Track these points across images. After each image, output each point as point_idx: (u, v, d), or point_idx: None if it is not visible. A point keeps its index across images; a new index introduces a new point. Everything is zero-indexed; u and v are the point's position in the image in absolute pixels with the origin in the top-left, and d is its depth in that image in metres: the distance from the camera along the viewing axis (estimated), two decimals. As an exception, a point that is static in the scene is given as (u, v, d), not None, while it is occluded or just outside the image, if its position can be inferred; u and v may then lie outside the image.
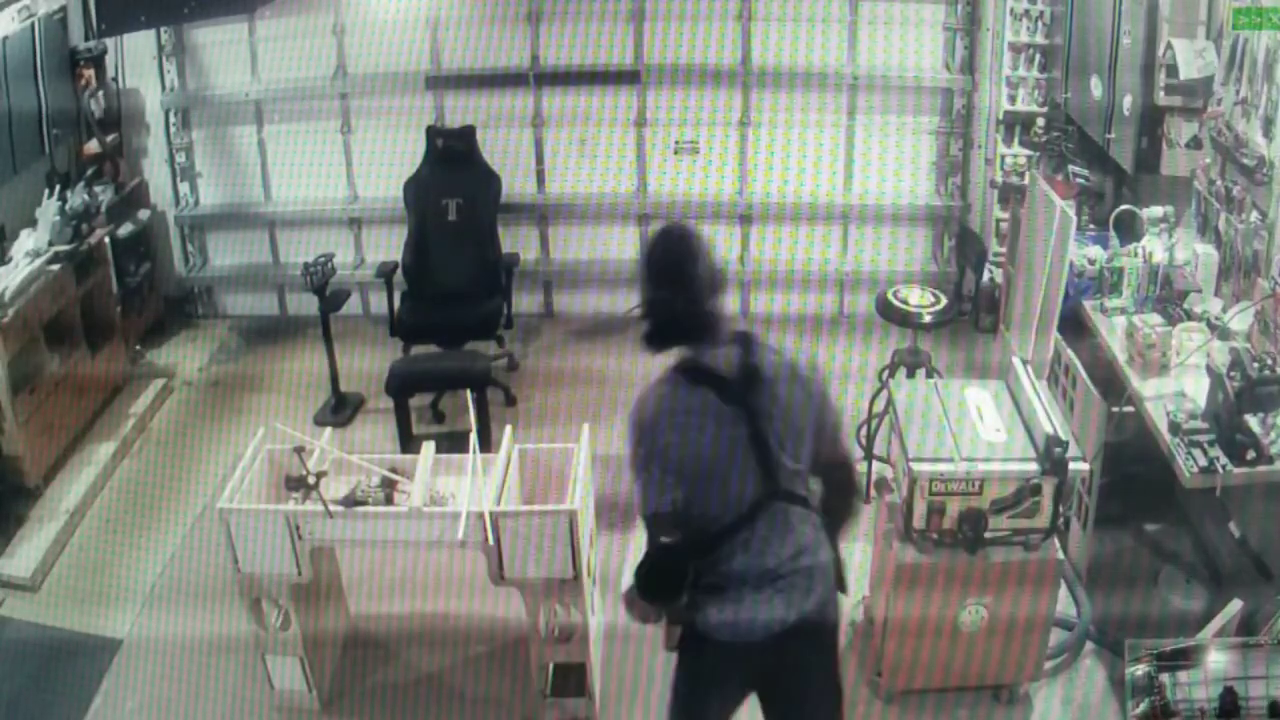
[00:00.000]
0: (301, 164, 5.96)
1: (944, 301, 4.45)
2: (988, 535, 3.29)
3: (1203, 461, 3.25)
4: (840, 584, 2.61)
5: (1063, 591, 3.67)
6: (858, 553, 4.14)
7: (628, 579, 2.52)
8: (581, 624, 3.39)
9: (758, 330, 2.60)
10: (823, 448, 2.56)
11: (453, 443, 3.64)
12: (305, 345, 5.69)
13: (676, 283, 2.44)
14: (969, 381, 3.78)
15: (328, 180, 5.97)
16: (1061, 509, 3.29)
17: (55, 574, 4.28)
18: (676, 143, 5.83)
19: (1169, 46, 4.01)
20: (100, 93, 5.55)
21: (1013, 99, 5.36)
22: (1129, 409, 3.67)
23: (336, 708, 3.66)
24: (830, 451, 2.59)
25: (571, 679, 3.52)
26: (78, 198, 5.04)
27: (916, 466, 3.25)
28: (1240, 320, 3.74)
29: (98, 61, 5.53)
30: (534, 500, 3.56)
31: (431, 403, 5.19)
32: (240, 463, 3.45)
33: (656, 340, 2.46)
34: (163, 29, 5.68)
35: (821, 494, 2.61)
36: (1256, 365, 3.29)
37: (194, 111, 5.97)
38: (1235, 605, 3.37)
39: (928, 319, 4.39)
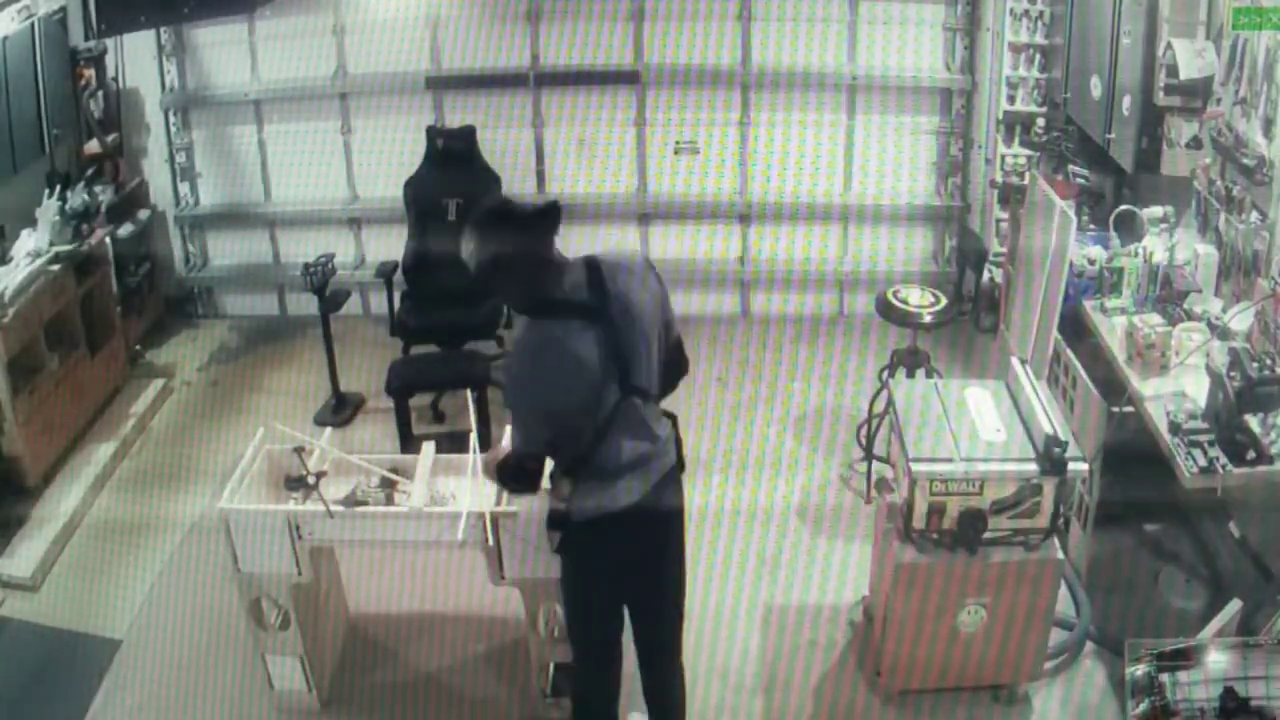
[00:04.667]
0: (301, 164, 5.96)
1: (944, 301, 4.45)
2: (988, 535, 3.29)
3: (1203, 461, 3.25)
4: (680, 462, 2.93)
5: (1062, 591, 3.67)
6: (856, 552, 4.16)
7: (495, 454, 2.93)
8: (581, 624, 3.39)
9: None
10: (669, 336, 2.86)
11: (453, 443, 3.64)
12: (305, 345, 5.70)
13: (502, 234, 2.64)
14: (969, 381, 3.78)
15: (328, 180, 5.97)
16: (1061, 509, 3.29)
17: (55, 574, 4.28)
18: (676, 143, 5.83)
19: (1169, 46, 4.01)
20: (100, 93, 5.55)
21: (1012, 99, 5.36)
22: (1129, 409, 3.66)
23: (336, 708, 3.66)
24: (671, 337, 2.88)
25: (572, 679, 3.51)
26: (78, 198, 5.04)
27: (916, 466, 3.25)
28: (1240, 320, 3.74)
29: (98, 61, 5.53)
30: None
31: (431, 403, 5.19)
32: (240, 463, 3.45)
33: (518, 295, 2.73)
34: (163, 29, 5.68)
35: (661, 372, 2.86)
36: (1256, 365, 3.29)
37: (194, 111, 5.97)
38: (1235, 605, 3.37)
39: (928, 319, 4.38)
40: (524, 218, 2.66)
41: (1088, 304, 4.11)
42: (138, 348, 5.65)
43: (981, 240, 5.67)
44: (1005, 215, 5.41)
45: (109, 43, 5.56)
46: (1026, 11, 5.21)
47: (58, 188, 4.99)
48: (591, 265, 2.74)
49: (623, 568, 2.91)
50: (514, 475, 2.85)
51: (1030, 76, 5.30)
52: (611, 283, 2.71)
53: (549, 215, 2.67)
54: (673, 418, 2.92)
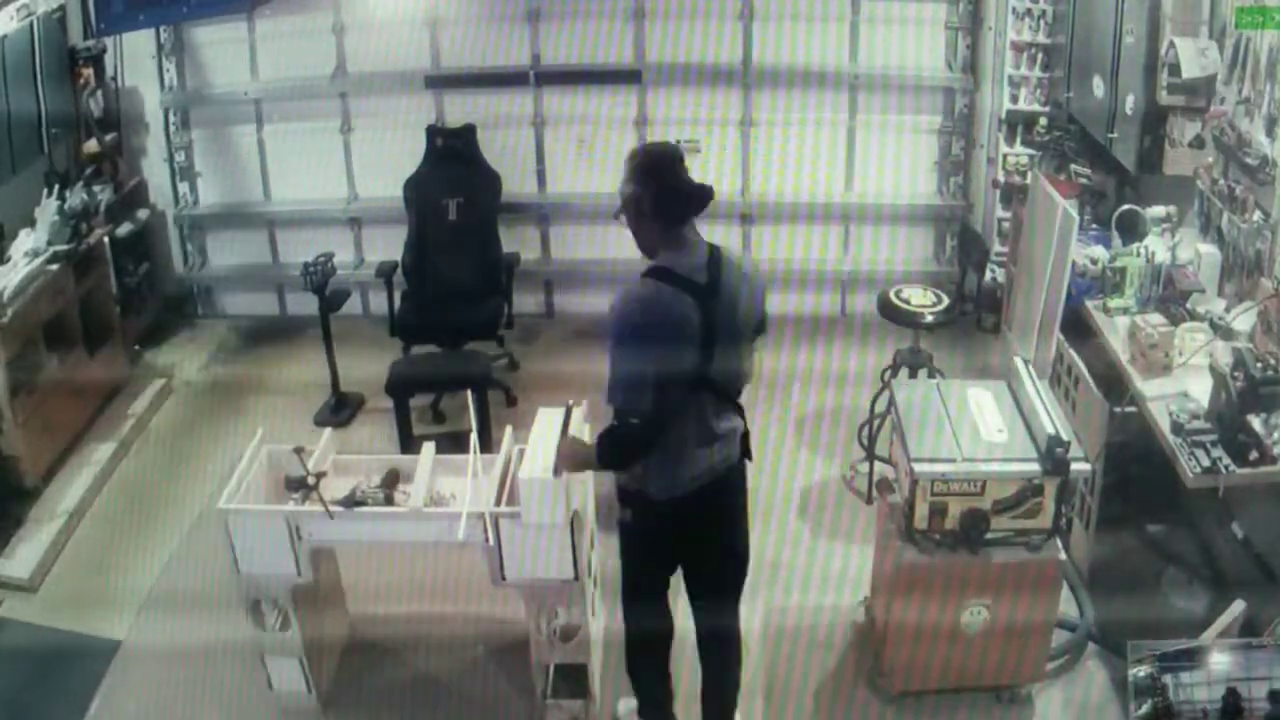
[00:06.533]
0: (301, 163, 5.95)
1: (946, 301, 4.44)
2: (989, 536, 3.28)
3: (1205, 462, 3.24)
4: (746, 451, 3.08)
5: (1065, 592, 3.66)
6: (858, 553, 4.15)
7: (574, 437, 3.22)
8: (582, 625, 3.38)
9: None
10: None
11: (453, 443, 3.63)
12: (305, 345, 5.68)
13: (680, 173, 2.84)
14: (971, 382, 3.77)
15: (328, 180, 5.95)
16: (1063, 509, 3.28)
17: (55, 574, 4.27)
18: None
19: (1171, 45, 4.00)
20: (99, 92, 5.54)
21: (1015, 98, 5.34)
22: (1131, 409, 3.65)
23: (336, 709, 3.65)
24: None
25: (572, 680, 3.51)
26: (77, 197, 5.03)
27: (918, 467, 3.24)
28: (1243, 320, 3.73)
29: (97, 60, 5.51)
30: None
31: (432, 403, 5.18)
32: (240, 463, 3.44)
33: (674, 217, 2.84)
34: (162, 28, 5.66)
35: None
36: (1259, 365, 3.28)
37: (193, 111, 5.96)
38: (1238, 606, 3.37)
39: (930, 319, 4.38)
40: (686, 176, 2.85)
41: (1090, 304, 4.10)
42: (137, 348, 5.64)
43: (984, 240, 5.66)
44: (1007, 215, 5.41)
45: (108, 42, 5.54)
46: (1029, 10, 5.20)
47: (56, 187, 4.97)
48: (714, 255, 2.88)
49: (683, 542, 3.09)
50: (616, 442, 2.87)
51: (1033, 76, 5.29)
52: (726, 277, 2.85)
53: (706, 191, 2.84)
54: (742, 411, 3.04)
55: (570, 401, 3.44)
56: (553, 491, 3.13)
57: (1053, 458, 3.19)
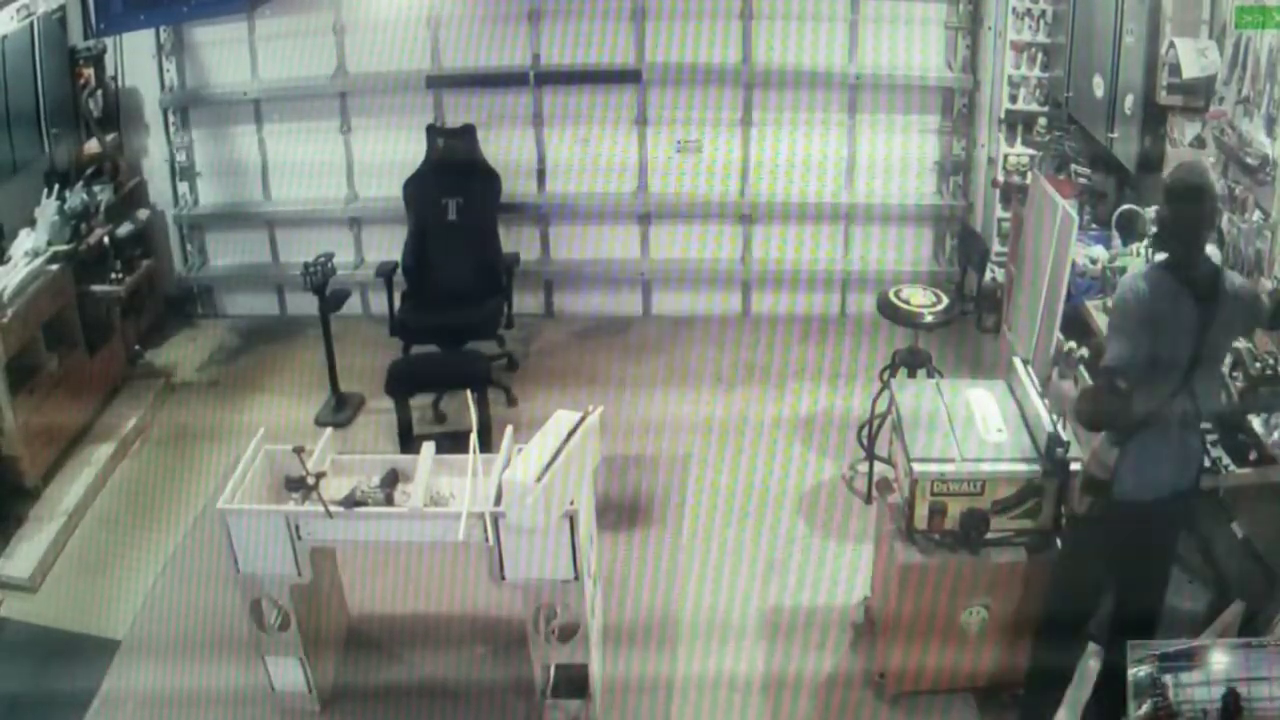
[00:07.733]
0: (301, 163, 5.95)
1: (946, 301, 4.44)
2: (989, 536, 3.28)
3: (1205, 462, 3.23)
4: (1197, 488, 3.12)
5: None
6: (858, 553, 4.15)
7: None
8: (582, 625, 3.38)
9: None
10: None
11: (453, 443, 3.63)
12: (305, 345, 5.68)
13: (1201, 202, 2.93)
14: (971, 382, 3.77)
15: (328, 180, 5.96)
16: (1063, 509, 3.28)
17: (54, 574, 4.27)
18: (679, 142, 5.82)
19: (1171, 45, 3.99)
20: (99, 92, 5.54)
21: (1015, 98, 5.34)
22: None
23: (336, 708, 3.65)
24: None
25: (572, 680, 3.51)
26: (76, 197, 5.04)
27: (918, 467, 3.24)
28: (1243, 320, 3.73)
29: (97, 60, 5.52)
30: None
31: (432, 403, 5.18)
32: (240, 463, 3.44)
33: (1179, 245, 2.94)
34: (162, 28, 5.66)
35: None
36: (1259, 366, 3.28)
37: (193, 111, 5.96)
38: (1238, 606, 3.36)
39: (930, 319, 4.37)
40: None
41: (1090, 304, 4.10)
42: (137, 348, 5.64)
43: (983, 240, 5.66)
44: (1007, 215, 5.40)
45: (108, 42, 5.54)
46: (1029, 10, 5.20)
47: (56, 187, 4.98)
48: (1217, 270, 3.02)
49: (1125, 553, 3.11)
50: (1108, 391, 2.87)
51: (1032, 75, 5.29)
52: (1229, 284, 2.95)
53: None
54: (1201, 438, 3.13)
55: (590, 407, 3.41)
56: (535, 495, 3.10)
57: (1052, 458, 3.19)
